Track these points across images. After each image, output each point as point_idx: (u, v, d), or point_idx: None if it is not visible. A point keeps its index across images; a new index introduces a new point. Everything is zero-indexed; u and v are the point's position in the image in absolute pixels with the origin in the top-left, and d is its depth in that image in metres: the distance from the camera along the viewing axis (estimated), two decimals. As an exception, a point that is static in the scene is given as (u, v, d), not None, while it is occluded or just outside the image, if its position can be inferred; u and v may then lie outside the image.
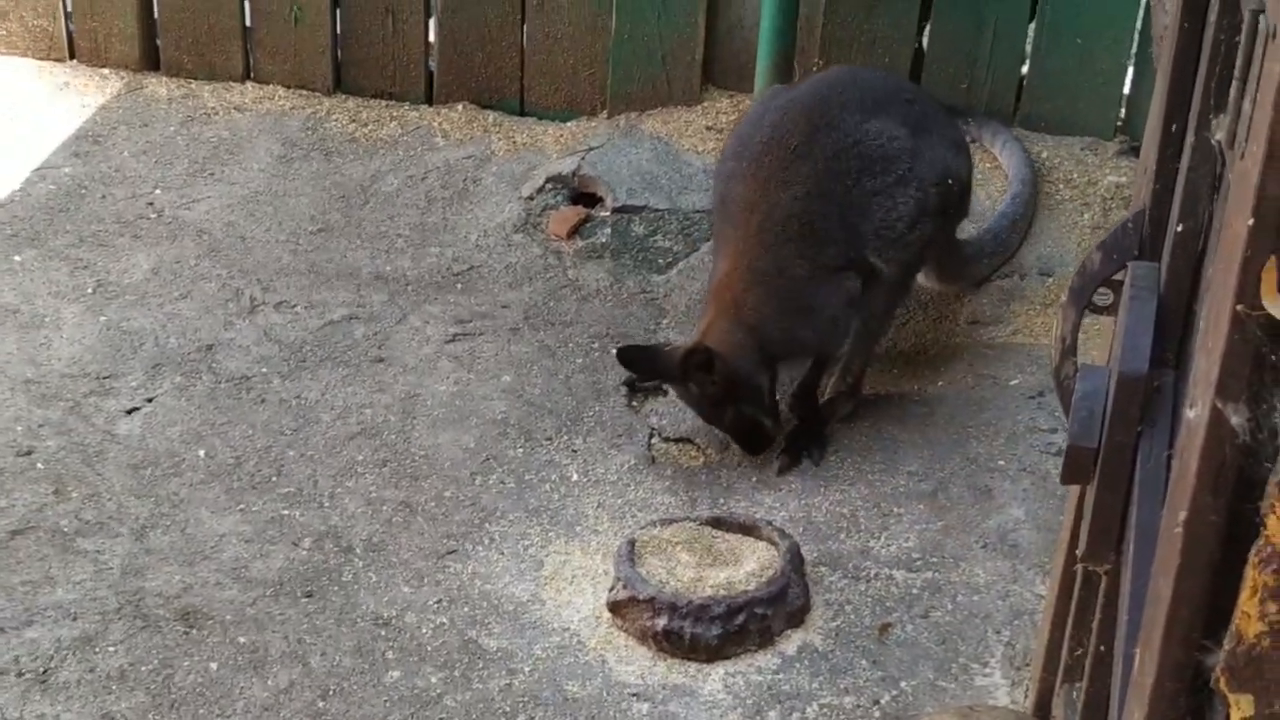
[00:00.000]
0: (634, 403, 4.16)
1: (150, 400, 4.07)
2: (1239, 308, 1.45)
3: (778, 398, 4.08)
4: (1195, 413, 1.56)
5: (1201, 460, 1.54)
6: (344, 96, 5.23)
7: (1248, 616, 1.49)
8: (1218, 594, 1.58)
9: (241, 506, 3.78)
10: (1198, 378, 1.59)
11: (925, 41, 4.97)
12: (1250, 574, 1.48)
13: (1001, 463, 3.95)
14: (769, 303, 3.95)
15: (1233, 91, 1.58)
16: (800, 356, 4.09)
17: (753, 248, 3.95)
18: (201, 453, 3.92)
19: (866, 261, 4.01)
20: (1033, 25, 4.89)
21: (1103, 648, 2.31)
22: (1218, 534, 1.56)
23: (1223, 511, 1.56)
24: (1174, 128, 2.21)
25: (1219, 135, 1.64)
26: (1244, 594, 1.48)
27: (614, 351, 4.13)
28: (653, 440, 4.06)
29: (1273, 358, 1.47)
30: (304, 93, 5.23)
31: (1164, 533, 1.68)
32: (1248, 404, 1.49)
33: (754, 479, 3.94)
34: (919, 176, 4.03)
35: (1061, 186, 4.78)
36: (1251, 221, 1.42)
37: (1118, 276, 2.42)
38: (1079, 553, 2.26)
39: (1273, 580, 1.47)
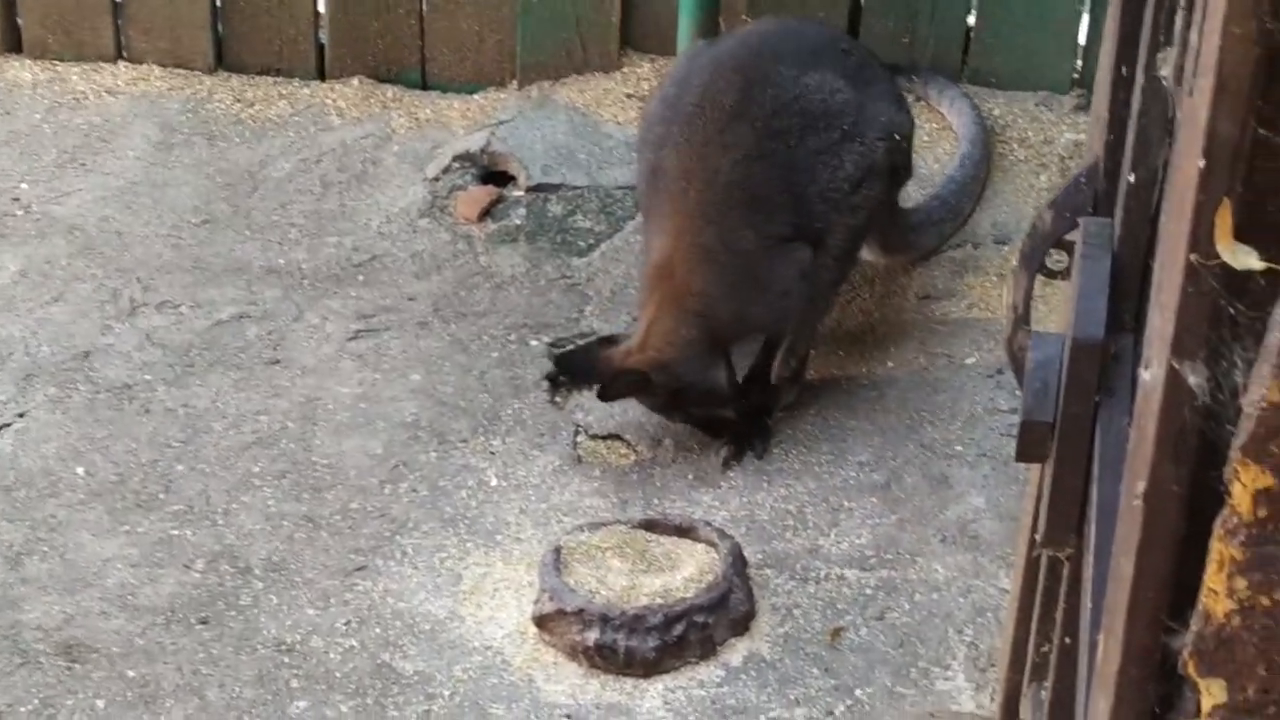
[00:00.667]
0: (557, 398, 4.15)
1: (22, 415, 4.03)
2: (1193, 257, 1.46)
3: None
4: (1151, 374, 1.57)
5: (1160, 426, 1.55)
6: (227, 74, 5.19)
7: (1215, 594, 1.49)
8: (1183, 571, 1.59)
9: (126, 528, 3.76)
10: (1152, 336, 1.60)
11: (862, -7, 4.98)
12: (1216, 547, 1.48)
13: (959, 448, 3.97)
14: (717, 283, 3.95)
15: (1178, 21, 1.59)
16: (752, 335, 4.11)
17: (694, 222, 3.95)
18: (81, 470, 3.90)
19: (814, 227, 4.02)
20: (978, -29, 4.91)
21: (1068, 640, 2.33)
22: (1180, 505, 1.57)
23: (1184, 481, 1.56)
24: (1124, 70, 2.22)
25: (1165, 71, 1.65)
26: (1210, 569, 1.49)
27: (552, 358, 4.17)
28: (578, 438, 4.06)
29: (1231, 310, 1.48)
30: (182, 72, 5.18)
31: (1123, 507, 1.69)
32: (1206, 362, 1.50)
33: (690, 476, 3.95)
34: (863, 132, 4.05)
35: (1016, 146, 4.80)
36: (1203, 163, 1.43)
37: (1071, 236, 2.43)
38: (1037, 537, 2.27)
39: (1240, 553, 1.47)
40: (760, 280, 3.99)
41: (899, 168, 4.20)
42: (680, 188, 3.97)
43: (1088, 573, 2.02)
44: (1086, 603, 2.00)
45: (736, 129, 3.98)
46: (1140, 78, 2.06)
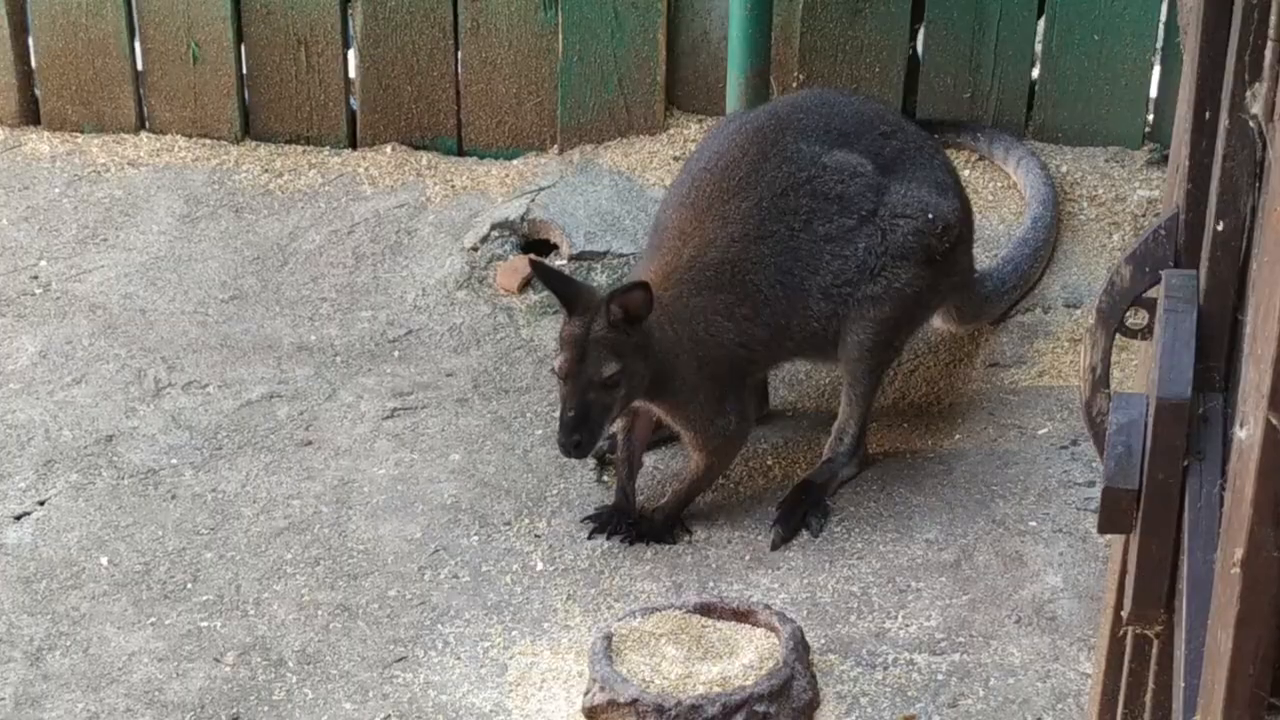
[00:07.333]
0: (604, 477, 4.14)
1: (42, 503, 4.04)
2: (1290, 305, 1.43)
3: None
4: (1247, 432, 1.54)
5: (1258, 487, 1.52)
6: (254, 144, 5.22)
7: (1323, 667, 1.46)
8: (1286, 644, 1.56)
9: (153, 620, 3.75)
10: (1247, 392, 1.57)
11: (919, 47, 4.98)
12: (1322, 617, 1.45)
13: (1033, 524, 3.94)
14: (674, 336, 3.90)
15: (1268, 55, 1.56)
16: (650, 399, 3.96)
17: (682, 282, 3.94)
18: (104, 560, 3.89)
19: (808, 328, 3.99)
20: (1041, 22, 4.90)
21: (1159, 724, 2.29)
22: (1281, 573, 1.54)
23: (1286, 546, 1.53)
24: (1207, 114, 2.20)
25: (1256, 109, 1.63)
26: (1317, 641, 1.46)
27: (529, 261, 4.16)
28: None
29: (1333, 361, 1.45)
30: (207, 142, 5.21)
31: (1219, 577, 1.66)
32: (1307, 417, 1.47)
33: (747, 557, 3.92)
34: (880, 214, 4.00)
35: (1085, 204, 4.78)
36: (1299, 203, 1.41)
37: (1151, 292, 2.41)
38: (1124, 614, 2.23)
39: (1349, 623, 1.44)
40: (704, 376, 3.95)
41: (938, 254, 4.07)
42: (676, 246, 3.97)
43: (1180, 650, 1.98)
44: (1179, 682, 1.97)
45: (739, 204, 3.96)
46: (1224, 120, 2.04)
